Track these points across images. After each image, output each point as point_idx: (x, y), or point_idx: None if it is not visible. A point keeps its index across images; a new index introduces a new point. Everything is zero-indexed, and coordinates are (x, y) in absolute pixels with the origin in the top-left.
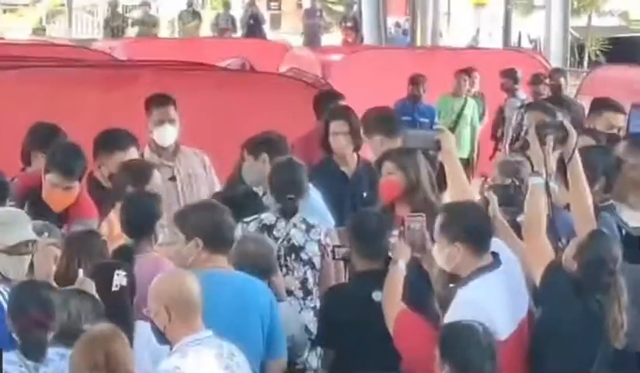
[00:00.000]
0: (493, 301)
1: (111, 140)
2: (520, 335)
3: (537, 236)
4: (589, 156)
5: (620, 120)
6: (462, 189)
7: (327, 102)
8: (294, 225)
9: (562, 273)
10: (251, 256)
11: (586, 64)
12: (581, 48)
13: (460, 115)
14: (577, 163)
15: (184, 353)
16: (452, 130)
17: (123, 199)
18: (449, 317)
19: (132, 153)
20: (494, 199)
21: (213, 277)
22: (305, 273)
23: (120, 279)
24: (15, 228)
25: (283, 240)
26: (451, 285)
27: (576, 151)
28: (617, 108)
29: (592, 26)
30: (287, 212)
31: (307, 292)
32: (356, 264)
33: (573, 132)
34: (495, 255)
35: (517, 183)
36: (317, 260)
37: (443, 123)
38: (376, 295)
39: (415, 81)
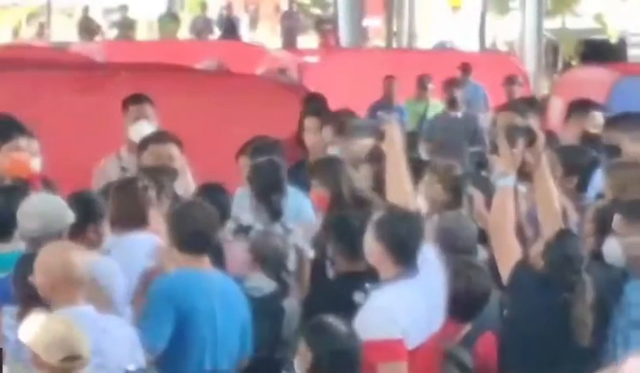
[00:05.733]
0: (402, 309)
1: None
2: (430, 347)
3: (504, 236)
4: (566, 155)
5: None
6: (399, 181)
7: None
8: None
9: (529, 271)
10: (274, 252)
11: (560, 65)
12: (555, 50)
13: (424, 117)
14: (544, 165)
15: None
16: (417, 133)
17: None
18: (359, 318)
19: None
20: (478, 195)
21: (199, 278)
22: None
23: None
24: None
25: None
26: (367, 285)
27: (543, 153)
28: (600, 107)
29: (566, 27)
30: (273, 214)
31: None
32: (339, 265)
33: (541, 135)
34: (415, 263)
35: None
36: (292, 265)
37: (409, 127)
38: (357, 297)
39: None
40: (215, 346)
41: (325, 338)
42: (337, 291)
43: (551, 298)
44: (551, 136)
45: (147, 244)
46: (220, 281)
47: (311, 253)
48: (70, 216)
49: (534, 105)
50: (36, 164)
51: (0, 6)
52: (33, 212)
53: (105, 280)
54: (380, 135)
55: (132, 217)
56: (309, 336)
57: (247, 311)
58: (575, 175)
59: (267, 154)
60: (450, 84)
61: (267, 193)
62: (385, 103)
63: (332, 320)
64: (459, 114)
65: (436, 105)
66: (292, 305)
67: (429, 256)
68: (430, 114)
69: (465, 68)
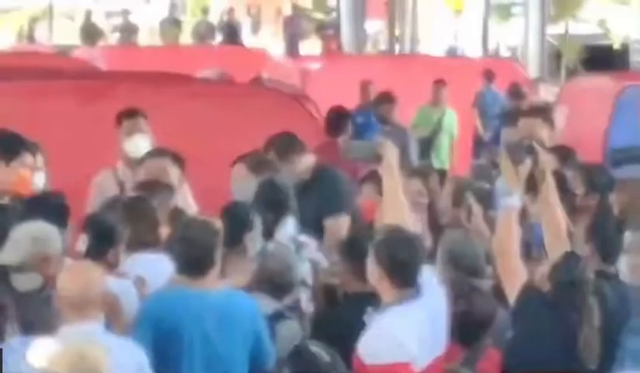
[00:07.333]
0: (409, 332)
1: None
2: (435, 370)
3: (509, 258)
4: (588, 173)
5: (538, 125)
6: (396, 204)
7: (339, 119)
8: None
9: (536, 293)
10: (268, 272)
11: (563, 72)
12: (558, 56)
13: (439, 125)
14: (550, 183)
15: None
16: (431, 140)
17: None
18: (364, 343)
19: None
20: (478, 209)
21: (188, 298)
22: (298, 293)
23: None
24: None
25: None
26: (369, 308)
27: (548, 171)
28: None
29: (569, 33)
30: (264, 232)
31: (302, 313)
32: (348, 285)
33: (543, 152)
34: (418, 285)
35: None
36: (308, 279)
37: (421, 132)
38: (367, 318)
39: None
40: (210, 367)
41: (302, 365)
42: (347, 311)
43: (558, 321)
44: (569, 153)
45: (160, 264)
46: (219, 301)
47: (325, 264)
48: (58, 242)
49: (544, 114)
50: (39, 179)
51: (2, 10)
52: (22, 239)
53: (124, 303)
54: (378, 157)
55: (145, 238)
56: (288, 361)
57: (256, 325)
58: (596, 193)
59: (265, 170)
60: (381, 98)
61: (263, 211)
62: (363, 109)
63: (315, 348)
64: (388, 128)
65: (451, 112)
66: (289, 328)
67: (430, 278)
68: (447, 121)
69: (489, 75)
